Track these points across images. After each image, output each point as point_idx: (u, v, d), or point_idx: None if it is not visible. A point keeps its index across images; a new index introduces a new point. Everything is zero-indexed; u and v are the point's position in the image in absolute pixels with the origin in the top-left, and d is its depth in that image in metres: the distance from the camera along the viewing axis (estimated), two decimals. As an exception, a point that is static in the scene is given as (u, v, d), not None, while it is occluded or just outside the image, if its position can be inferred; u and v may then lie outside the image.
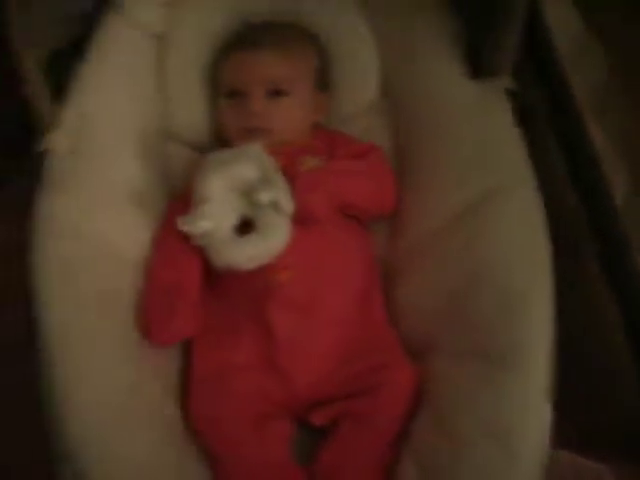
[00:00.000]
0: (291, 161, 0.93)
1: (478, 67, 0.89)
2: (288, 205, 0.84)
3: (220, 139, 1.03)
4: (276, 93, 0.95)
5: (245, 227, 0.86)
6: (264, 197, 0.83)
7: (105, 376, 0.76)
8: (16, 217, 0.87)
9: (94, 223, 0.86)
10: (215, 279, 0.90)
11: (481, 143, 0.87)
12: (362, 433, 0.82)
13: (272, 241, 0.84)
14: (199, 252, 0.86)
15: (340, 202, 0.91)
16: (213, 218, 0.84)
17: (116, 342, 0.80)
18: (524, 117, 0.88)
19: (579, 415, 0.80)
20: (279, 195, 0.83)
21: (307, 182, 0.88)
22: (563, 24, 1.08)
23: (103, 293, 0.82)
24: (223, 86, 0.99)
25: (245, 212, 0.86)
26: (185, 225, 0.83)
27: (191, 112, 1.06)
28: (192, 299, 0.88)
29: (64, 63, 0.96)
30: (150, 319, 0.85)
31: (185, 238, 0.85)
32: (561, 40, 1.05)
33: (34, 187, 0.86)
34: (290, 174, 0.87)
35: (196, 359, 0.89)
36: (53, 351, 0.74)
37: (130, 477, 0.72)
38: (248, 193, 0.85)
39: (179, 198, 0.95)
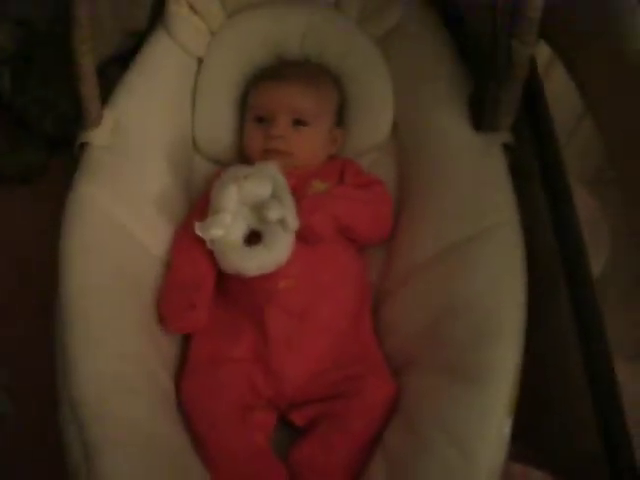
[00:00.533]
0: (301, 183, 1.02)
1: (480, 120, 0.98)
2: (294, 223, 0.93)
3: (242, 157, 1.12)
4: (299, 123, 1.05)
5: (253, 237, 0.95)
6: (273, 214, 0.92)
7: (112, 343, 0.83)
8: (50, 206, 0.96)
9: (122, 214, 0.95)
10: (221, 279, 0.98)
11: (474, 187, 0.95)
12: (336, 434, 0.88)
13: (276, 254, 0.93)
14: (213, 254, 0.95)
15: (340, 225, 0.99)
16: (225, 227, 0.93)
17: (127, 317, 0.88)
18: (518, 171, 0.97)
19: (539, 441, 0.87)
20: (286, 213, 0.92)
21: (312, 204, 0.97)
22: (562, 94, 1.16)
23: (121, 275, 0.90)
24: (252, 111, 1.09)
25: (254, 225, 0.95)
26: (200, 230, 0.93)
27: (216, 131, 1.16)
28: (208, 295, 0.97)
29: (113, 70, 1.08)
30: (169, 309, 0.94)
31: (202, 241, 0.94)
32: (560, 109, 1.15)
33: (69, 178, 0.96)
34: (298, 195, 0.96)
35: (194, 346, 0.97)
36: (69, 317, 0.82)
37: (126, 436, 0.77)
38: (259, 208, 0.94)
39: (198, 204, 1.04)
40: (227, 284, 0.99)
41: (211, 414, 0.89)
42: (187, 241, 0.98)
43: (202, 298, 0.96)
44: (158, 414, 0.85)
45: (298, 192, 0.97)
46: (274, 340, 0.94)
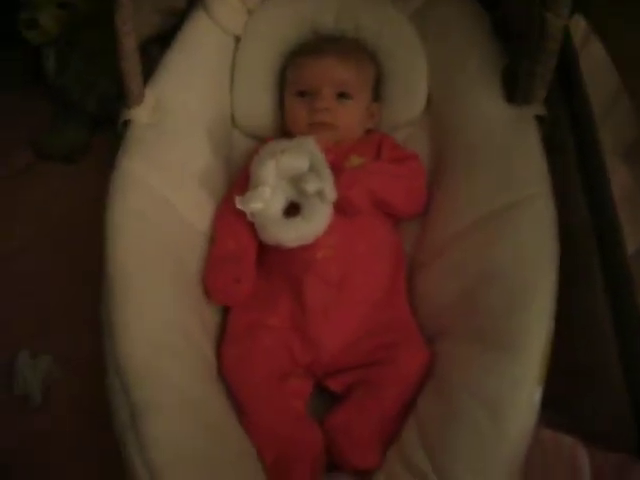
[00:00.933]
0: (340, 158, 1.05)
1: (514, 92, 0.99)
2: (331, 195, 0.95)
3: (282, 132, 1.15)
4: (342, 95, 1.08)
5: (292, 210, 0.98)
6: (311, 187, 0.94)
7: (156, 310, 0.87)
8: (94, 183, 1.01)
9: (164, 188, 0.99)
10: (262, 250, 1.02)
11: (507, 159, 0.96)
12: (371, 400, 0.91)
13: (314, 225, 0.95)
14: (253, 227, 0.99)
15: (376, 198, 1.01)
16: (265, 200, 0.96)
17: (170, 287, 0.91)
18: (552, 144, 0.98)
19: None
20: (324, 186, 0.95)
21: (349, 178, 0.99)
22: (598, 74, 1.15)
23: (165, 247, 0.94)
24: (293, 86, 1.12)
25: (293, 197, 0.98)
26: (240, 204, 0.96)
27: (254, 107, 1.19)
28: (251, 268, 1.00)
29: (155, 49, 1.11)
30: (214, 283, 0.98)
31: (243, 214, 0.97)
32: (595, 88, 1.14)
33: (111, 156, 0.99)
34: (336, 169, 0.99)
35: (233, 315, 1.01)
36: (114, 285, 0.85)
37: (169, 399, 0.81)
38: (298, 181, 0.96)
39: (239, 179, 1.08)
40: (267, 255, 1.02)
41: (250, 380, 0.93)
42: (228, 215, 1.01)
43: (246, 271, 0.99)
44: (200, 380, 0.88)
45: (336, 166, 1.00)
46: (312, 309, 0.97)
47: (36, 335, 1.18)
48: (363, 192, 1.00)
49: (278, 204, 0.98)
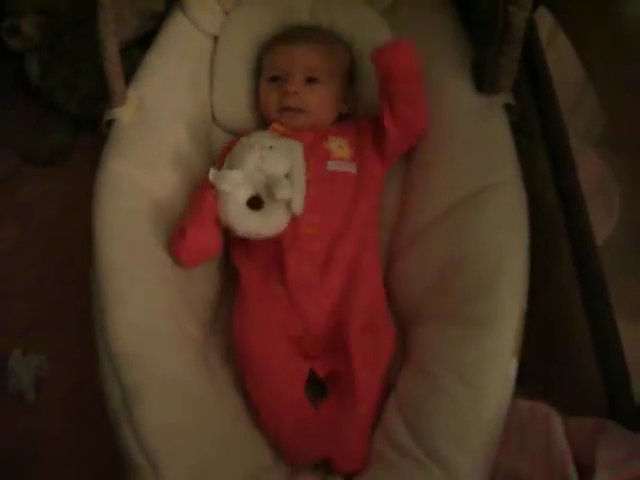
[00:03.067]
0: (318, 138, 1.09)
1: (482, 83, 1.03)
2: (297, 208, 0.98)
3: (259, 125, 1.19)
4: (311, 80, 1.12)
5: (255, 203, 1.00)
6: (281, 194, 0.97)
7: (143, 298, 0.90)
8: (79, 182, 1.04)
9: (148, 183, 1.02)
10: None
11: (477, 146, 1.00)
12: (351, 398, 0.93)
13: (267, 227, 0.98)
14: None
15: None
16: (235, 183, 0.97)
17: (157, 276, 0.95)
18: (520, 128, 1.03)
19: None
20: (294, 197, 0.98)
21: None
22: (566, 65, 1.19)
23: (151, 239, 0.98)
24: (267, 72, 1.16)
25: (260, 193, 1.00)
26: (212, 176, 0.97)
27: (233, 104, 1.23)
28: (202, 223, 0.98)
29: (135, 52, 1.14)
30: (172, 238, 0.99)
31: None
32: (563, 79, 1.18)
33: (95, 156, 1.02)
34: (316, 149, 1.04)
35: (242, 280, 1.03)
36: (103, 277, 0.89)
37: (160, 382, 0.84)
38: (271, 182, 0.98)
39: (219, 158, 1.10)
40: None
41: (260, 349, 0.95)
42: (200, 189, 1.02)
43: (197, 224, 0.98)
44: (188, 361, 0.91)
45: (315, 146, 1.04)
46: (295, 286, 0.99)
47: (28, 334, 1.21)
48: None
49: (244, 192, 1.00)
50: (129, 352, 0.84)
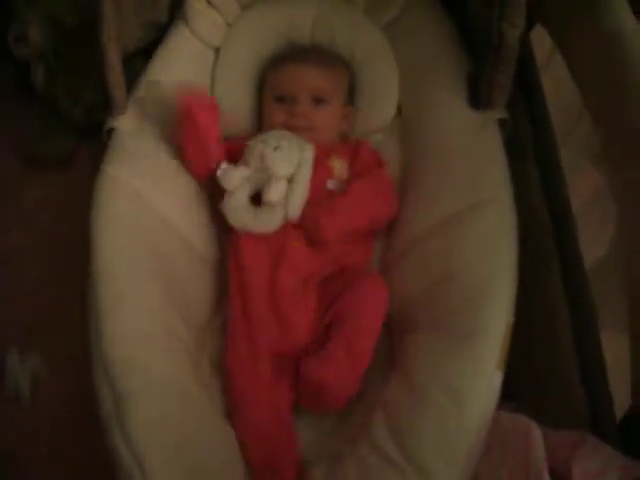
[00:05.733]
0: (322, 155, 1.10)
1: (477, 99, 1.05)
2: (293, 213, 1.02)
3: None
4: (318, 100, 1.15)
5: (256, 197, 1.04)
6: (268, 196, 1.01)
7: (139, 306, 0.92)
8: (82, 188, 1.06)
9: (145, 190, 1.04)
10: None
11: (469, 162, 1.02)
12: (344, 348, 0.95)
13: (257, 225, 1.02)
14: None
15: (349, 230, 1.06)
16: (237, 180, 1.03)
17: (153, 283, 0.96)
18: (513, 145, 1.04)
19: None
20: (292, 201, 1.01)
21: (325, 209, 1.04)
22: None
23: (148, 246, 0.99)
24: (273, 91, 1.18)
25: (261, 190, 1.03)
26: (220, 173, 1.04)
27: (233, 114, 1.23)
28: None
29: (137, 62, 1.17)
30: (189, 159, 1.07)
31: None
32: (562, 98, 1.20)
33: (97, 162, 1.05)
34: (320, 165, 1.07)
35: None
36: (99, 284, 0.91)
37: (152, 388, 0.86)
38: (267, 181, 1.02)
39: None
40: None
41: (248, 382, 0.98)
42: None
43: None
44: (182, 371, 0.93)
45: (319, 162, 1.07)
46: (281, 295, 1.01)
47: (25, 336, 1.23)
48: (335, 228, 1.04)
49: (246, 189, 1.04)
50: (123, 360, 0.86)
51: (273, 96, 1.18)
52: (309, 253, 1.04)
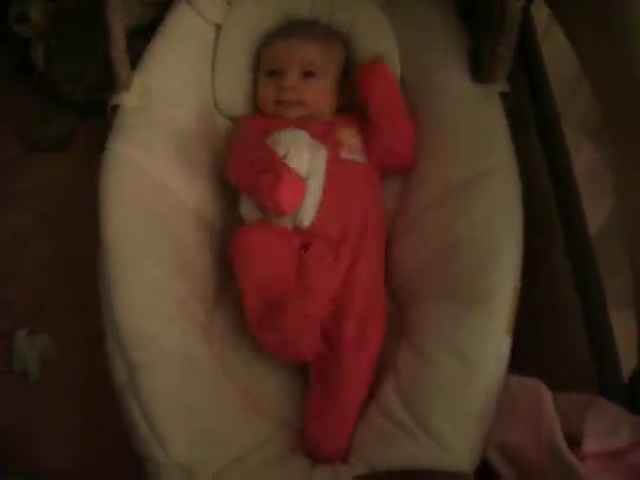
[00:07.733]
0: (325, 128, 1.11)
1: (478, 72, 1.06)
2: (304, 221, 1.01)
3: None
4: (308, 74, 1.14)
5: None
6: None
7: (150, 279, 0.94)
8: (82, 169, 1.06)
9: (152, 166, 1.04)
10: None
11: (473, 133, 1.04)
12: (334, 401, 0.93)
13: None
14: None
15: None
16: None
17: (162, 257, 0.98)
18: (515, 117, 1.05)
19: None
20: (303, 210, 1.01)
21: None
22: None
23: (156, 221, 1.00)
24: (264, 66, 1.19)
25: None
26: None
27: (234, 92, 1.25)
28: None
29: (137, 41, 1.17)
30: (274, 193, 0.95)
31: None
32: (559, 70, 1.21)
33: (97, 143, 1.05)
34: (325, 137, 1.07)
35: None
36: (110, 260, 0.92)
37: (163, 358, 0.88)
38: None
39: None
40: None
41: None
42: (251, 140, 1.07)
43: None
44: (193, 342, 0.95)
45: (323, 135, 1.08)
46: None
47: (33, 316, 1.23)
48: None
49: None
50: (135, 332, 0.88)
51: (265, 71, 1.18)
52: None
